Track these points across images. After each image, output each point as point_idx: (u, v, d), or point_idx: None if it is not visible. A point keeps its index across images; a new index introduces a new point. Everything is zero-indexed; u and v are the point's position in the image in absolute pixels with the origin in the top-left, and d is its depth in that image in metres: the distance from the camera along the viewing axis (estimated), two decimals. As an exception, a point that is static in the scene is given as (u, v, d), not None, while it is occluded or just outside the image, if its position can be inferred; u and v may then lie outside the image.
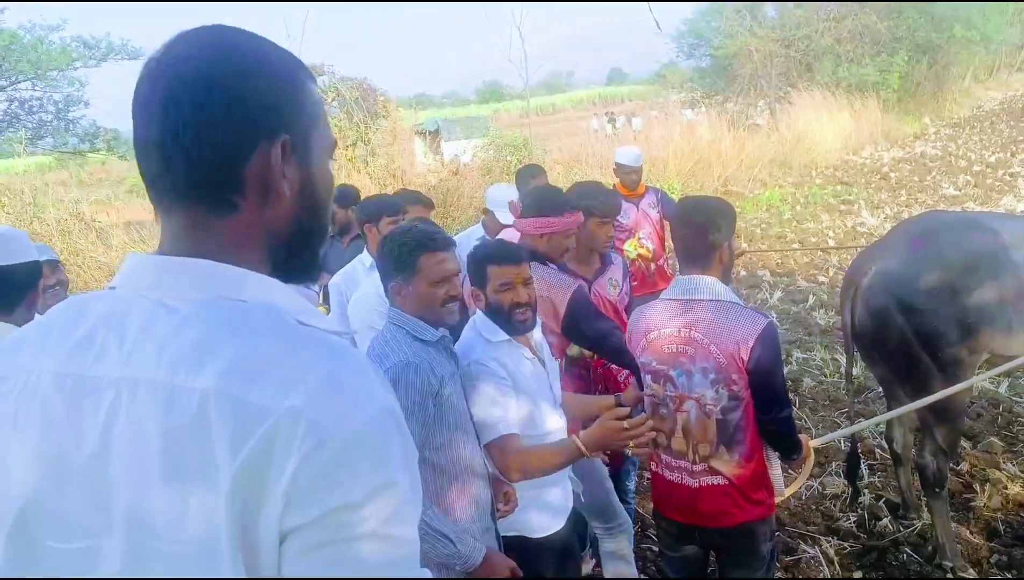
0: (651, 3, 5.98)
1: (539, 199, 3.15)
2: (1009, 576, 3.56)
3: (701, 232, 2.45)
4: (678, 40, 26.97)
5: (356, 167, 13.19)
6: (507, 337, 2.47)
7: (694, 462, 2.49)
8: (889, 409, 3.98)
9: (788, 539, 3.96)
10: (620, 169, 5.64)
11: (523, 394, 2.45)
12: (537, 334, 2.60)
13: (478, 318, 2.53)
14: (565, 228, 3.05)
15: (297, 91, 0.92)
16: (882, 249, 3.68)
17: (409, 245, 2.21)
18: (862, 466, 4.60)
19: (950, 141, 18.82)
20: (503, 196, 4.39)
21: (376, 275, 2.59)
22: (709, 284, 2.45)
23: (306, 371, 0.78)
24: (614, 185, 5.45)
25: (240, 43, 0.90)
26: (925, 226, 3.73)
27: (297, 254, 0.96)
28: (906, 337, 3.40)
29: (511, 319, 2.44)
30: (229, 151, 0.86)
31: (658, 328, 2.53)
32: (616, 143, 18.04)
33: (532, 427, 2.47)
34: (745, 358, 2.35)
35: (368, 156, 13.83)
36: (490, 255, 2.50)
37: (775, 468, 2.60)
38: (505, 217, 4.23)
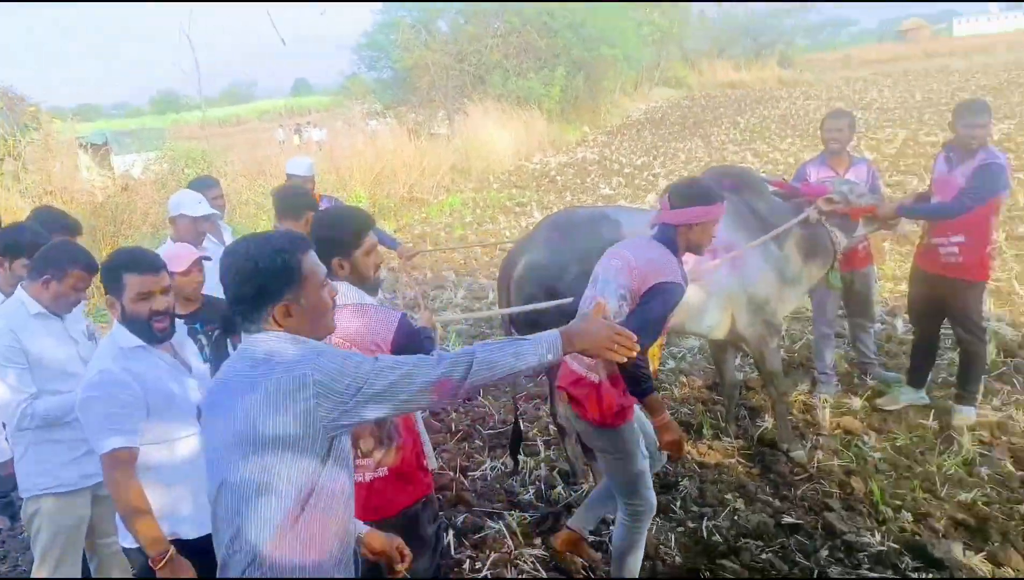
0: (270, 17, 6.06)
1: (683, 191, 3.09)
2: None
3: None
4: (359, 52, 27.15)
5: (4, 184, 11.69)
6: (141, 343, 2.42)
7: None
8: (549, 385, 4.42)
9: (475, 518, 4.21)
10: (291, 179, 5.67)
11: (154, 402, 2.45)
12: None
13: (115, 327, 2.43)
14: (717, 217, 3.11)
15: None
16: (529, 243, 4.09)
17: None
18: (538, 441, 5.02)
19: (605, 147, 21.02)
20: (188, 197, 4.25)
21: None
22: (343, 291, 2.49)
23: None
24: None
25: None
26: (563, 221, 4.19)
27: None
28: (555, 320, 3.77)
29: (150, 328, 2.37)
30: None
31: None
32: (303, 155, 17.75)
33: (161, 434, 2.49)
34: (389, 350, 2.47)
35: (19, 171, 12.32)
36: (126, 263, 2.39)
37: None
38: (196, 209, 4.16)
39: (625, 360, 1.93)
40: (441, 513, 3.54)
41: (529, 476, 4.60)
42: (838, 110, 5.48)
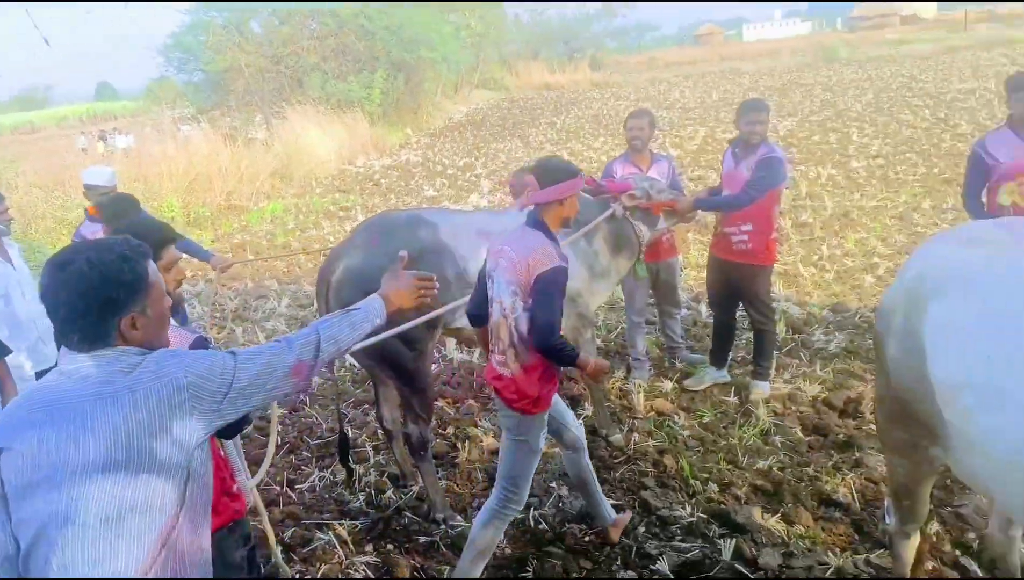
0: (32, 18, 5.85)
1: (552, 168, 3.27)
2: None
3: None
4: (166, 54, 25.72)
5: None
6: None
7: None
8: (375, 390, 4.43)
9: (304, 531, 4.13)
10: (91, 190, 5.29)
11: None
12: None
13: None
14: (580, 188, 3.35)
15: None
16: (347, 248, 4.04)
17: None
18: (367, 447, 5.00)
19: (428, 149, 21.10)
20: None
21: None
22: None
23: None
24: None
25: None
26: (380, 225, 4.19)
27: None
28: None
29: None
30: None
31: None
32: (109, 163, 16.63)
33: None
34: None
35: None
36: None
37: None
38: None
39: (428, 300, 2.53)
40: (255, 533, 3.45)
41: (359, 483, 4.57)
42: (639, 109, 5.81)
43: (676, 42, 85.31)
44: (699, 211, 5.25)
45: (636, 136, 5.48)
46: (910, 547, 3.06)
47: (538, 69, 43.23)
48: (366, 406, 5.58)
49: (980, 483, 2.48)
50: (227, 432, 2.32)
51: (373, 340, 3.45)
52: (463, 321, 4.12)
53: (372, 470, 4.72)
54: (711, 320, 6.00)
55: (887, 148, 13.66)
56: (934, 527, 3.69)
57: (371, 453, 4.93)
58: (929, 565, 3.44)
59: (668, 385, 5.48)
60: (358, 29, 24.70)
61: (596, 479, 3.80)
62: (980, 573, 3.37)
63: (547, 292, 3.06)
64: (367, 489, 4.50)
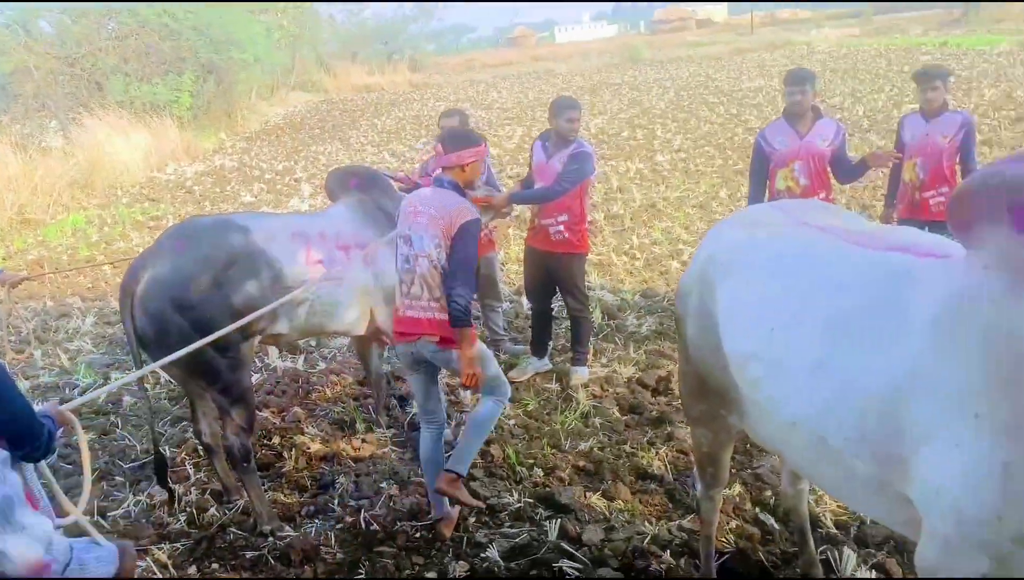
0: None
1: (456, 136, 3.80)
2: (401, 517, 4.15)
3: None
4: (-64, 55, 23.14)
5: None
6: None
7: None
8: (191, 405, 4.25)
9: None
10: None
11: None
12: None
13: None
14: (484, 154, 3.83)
15: None
16: (152, 256, 3.86)
17: None
18: (187, 465, 4.79)
19: (245, 153, 20.30)
20: None
21: None
22: None
23: None
24: None
25: None
26: (187, 231, 4.02)
27: None
28: (186, 333, 3.64)
29: None
30: None
31: None
32: None
33: None
34: None
35: None
36: None
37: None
38: None
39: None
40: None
41: (179, 503, 4.37)
42: (451, 109, 5.92)
43: (492, 44, 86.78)
44: (515, 205, 5.43)
45: None
46: (715, 509, 3.32)
47: (357, 71, 42.55)
48: (184, 423, 5.33)
49: (770, 444, 2.74)
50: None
51: (184, 351, 3.35)
52: (282, 327, 4.08)
53: (193, 488, 4.53)
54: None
55: (688, 143, 14.62)
56: (736, 489, 4.03)
57: (191, 471, 4.73)
58: (732, 523, 3.76)
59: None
60: (162, 29, 23.31)
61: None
62: (777, 526, 3.72)
63: (469, 238, 3.52)
64: (188, 508, 4.31)
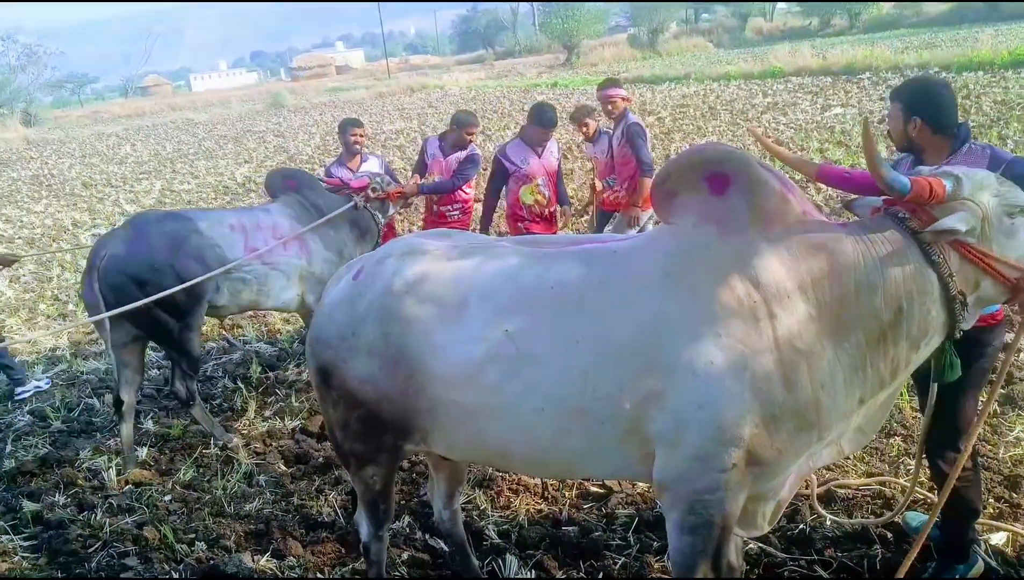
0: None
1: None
2: None
3: None
4: None
5: None
6: None
7: None
8: (117, 372, 4.93)
9: None
10: None
11: None
12: None
13: None
14: None
15: None
16: (111, 238, 4.81)
17: None
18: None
19: None
20: None
21: None
22: None
23: None
24: None
25: None
26: (141, 219, 5.02)
27: None
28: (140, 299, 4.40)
29: None
30: None
31: None
32: None
33: None
34: None
35: None
36: None
37: None
38: None
39: None
40: None
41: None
42: (351, 119, 6.57)
43: (121, 94, 79.93)
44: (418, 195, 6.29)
45: (356, 141, 6.43)
46: (384, 547, 3.24)
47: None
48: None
49: (487, 450, 2.72)
50: None
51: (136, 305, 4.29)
52: (223, 299, 5.04)
53: None
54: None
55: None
56: (406, 520, 4.08)
57: None
58: (405, 555, 3.79)
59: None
60: None
61: None
62: (447, 548, 3.78)
63: None
64: None
